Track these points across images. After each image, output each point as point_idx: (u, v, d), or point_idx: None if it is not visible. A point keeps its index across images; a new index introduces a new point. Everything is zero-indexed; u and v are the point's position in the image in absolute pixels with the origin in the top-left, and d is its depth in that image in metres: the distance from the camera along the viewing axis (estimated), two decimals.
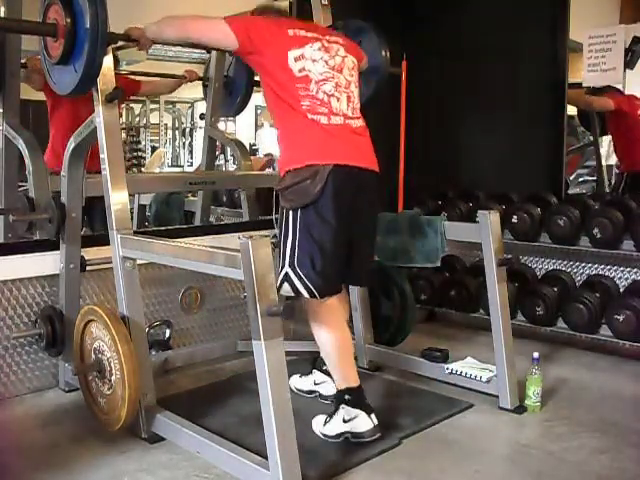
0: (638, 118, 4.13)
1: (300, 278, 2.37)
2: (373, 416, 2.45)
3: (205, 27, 2.47)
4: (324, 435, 2.46)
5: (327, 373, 2.74)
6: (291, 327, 3.54)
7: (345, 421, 2.42)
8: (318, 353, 2.64)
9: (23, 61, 3.40)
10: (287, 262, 2.39)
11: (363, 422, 2.42)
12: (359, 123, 2.52)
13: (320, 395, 2.85)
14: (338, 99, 2.46)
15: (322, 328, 2.46)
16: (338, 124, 2.44)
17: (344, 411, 2.44)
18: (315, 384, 2.89)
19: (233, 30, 2.39)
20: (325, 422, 2.47)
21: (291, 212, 2.40)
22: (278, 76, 2.42)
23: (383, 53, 3.13)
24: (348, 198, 2.41)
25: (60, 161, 2.81)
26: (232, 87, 4.26)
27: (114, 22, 2.43)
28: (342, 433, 2.43)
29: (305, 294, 2.38)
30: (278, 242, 2.45)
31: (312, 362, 2.97)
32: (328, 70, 2.46)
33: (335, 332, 2.46)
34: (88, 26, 2.16)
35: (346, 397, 2.45)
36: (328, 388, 2.79)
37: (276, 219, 2.54)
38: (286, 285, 2.40)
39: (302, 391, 2.89)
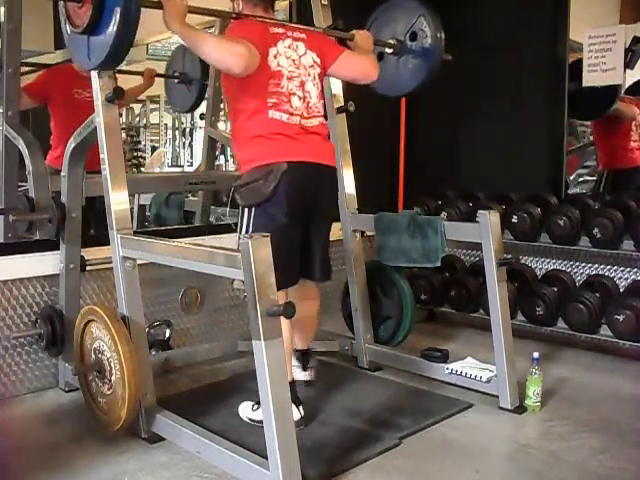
0: None
1: None
2: (301, 408, 2.53)
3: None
4: (251, 420, 2.57)
5: (298, 359, 2.88)
6: None
7: None
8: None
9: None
10: None
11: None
12: (315, 122, 2.61)
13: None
14: (299, 97, 2.56)
15: None
16: (295, 124, 2.54)
17: None
18: None
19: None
20: (254, 408, 2.56)
21: (246, 209, 2.56)
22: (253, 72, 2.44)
23: (438, 35, 2.97)
24: (304, 195, 2.54)
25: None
26: (189, 83, 4.38)
27: None
28: None
29: None
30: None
31: None
32: (293, 69, 2.56)
33: (286, 332, 2.34)
34: None
35: None
36: (297, 373, 2.85)
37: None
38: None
39: None
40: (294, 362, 2.88)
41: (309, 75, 2.62)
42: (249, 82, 2.46)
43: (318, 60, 2.66)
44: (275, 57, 2.52)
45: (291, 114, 2.53)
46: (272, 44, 2.52)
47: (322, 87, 2.70)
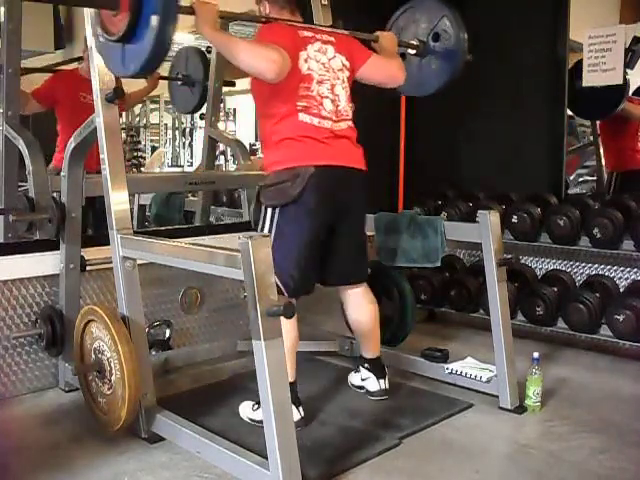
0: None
1: None
2: (301, 409, 2.54)
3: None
4: (251, 420, 2.57)
5: (370, 370, 2.89)
6: None
7: None
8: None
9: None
10: None
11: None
12: (343, 126, 2.61)
13: (367, 391, 2.91)
14: (331, 101, 2.56)
15: (283, 326, 2.35)
16: (325, 127, 2.54)
17: None
18: (362, 380, 2.94)
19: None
20: (254, 408, 2.56)
21: (269, 210, 2.54)
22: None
23: (461, 36, 2.95)
24: (332, 198, 2.54)
25: None
26: (192, 84, 4.41)
27: None
28: None
29: None
30: None
31: (357, 360, 3.04)
32: (324, 72, 2.56)
33: (292, 332, 2.49)
34: None
35: None
36: (372, 384, 2.87)
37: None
38: None
39: (355, 386, 2.98)
40: (366, 373, 2.89)
41: (338, 78, 2.61)
42: (280, 87, 2.44)
43: (347, 63, 2.66)
44: (305, 61, 2.52)
45: (323, 117, 2.53)
46: (302, 48, 2.52)
47: (350, 90, 2.68)
